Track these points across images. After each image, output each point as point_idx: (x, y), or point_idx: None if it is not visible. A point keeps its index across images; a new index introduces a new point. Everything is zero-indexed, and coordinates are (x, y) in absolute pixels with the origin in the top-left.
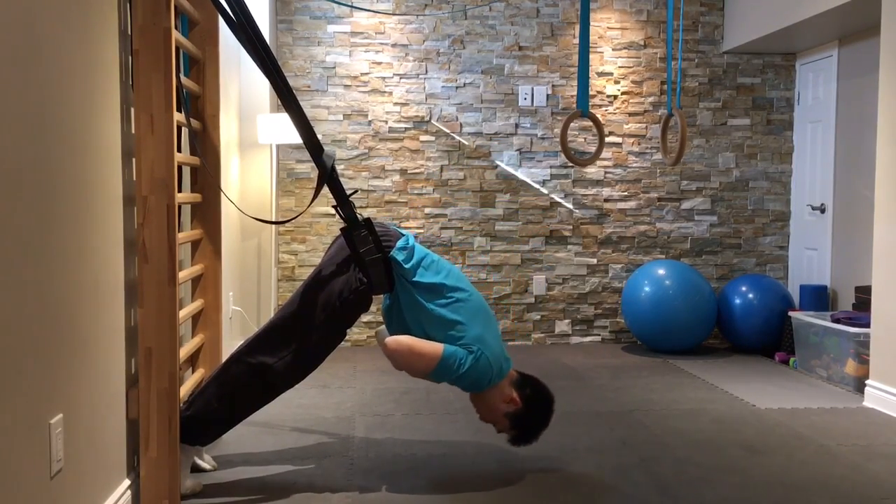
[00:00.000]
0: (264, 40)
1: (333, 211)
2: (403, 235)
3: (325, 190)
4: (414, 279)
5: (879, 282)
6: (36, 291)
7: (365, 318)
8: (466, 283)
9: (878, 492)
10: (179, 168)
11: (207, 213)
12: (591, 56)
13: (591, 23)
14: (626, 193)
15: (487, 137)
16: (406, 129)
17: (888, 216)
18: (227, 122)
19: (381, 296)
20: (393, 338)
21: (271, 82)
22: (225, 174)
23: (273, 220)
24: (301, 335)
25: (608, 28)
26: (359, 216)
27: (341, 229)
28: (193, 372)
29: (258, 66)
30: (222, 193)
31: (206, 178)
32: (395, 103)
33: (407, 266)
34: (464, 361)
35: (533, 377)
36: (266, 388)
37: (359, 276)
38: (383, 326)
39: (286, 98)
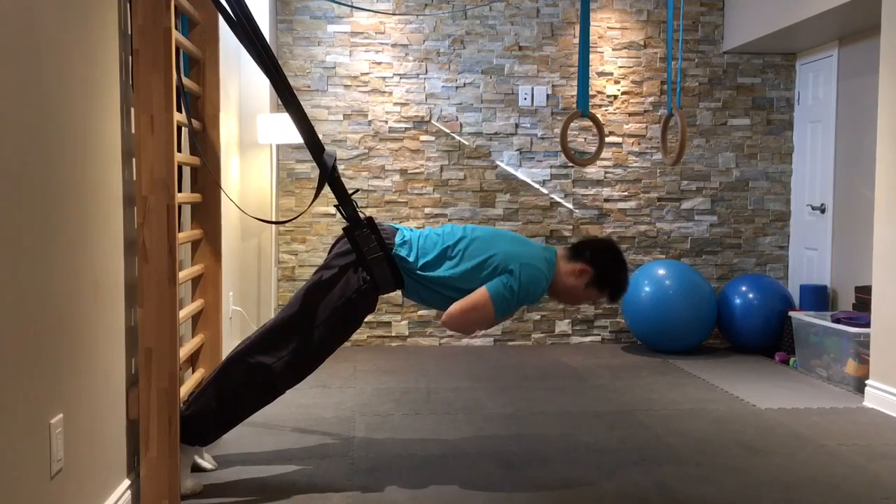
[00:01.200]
0: (265, 40)
1: (334, 211)
2: (398, 230)
3: (326, 190)
4: (420, 266)
5: (879, 282)
6: (36, 291)
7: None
8: (463, 229)
9: (878, 492)
10: (179, 168)
11: (207, 213)
12: (592, 56)
13: (592, 23)
14: (626, 193)
15: (487, 137)
16: (406, 129)
17: (888, 216)
18: (227, 122)
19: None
20: (445, 312)
21: (272, 81)
22: (225, 174)
23: (273, 219)
24: (302, 336)
25: (608, 28)
26: (361, 215)
27: (344, 229)
28: (193, 372)
29: (258, 65)
30: (223, 193)
31: (207, 178)
32: (395, 103)
33: (411, 259)
34: (512, 284)
35: (581, 241)
36: (266, 388)
37: (362, 275)
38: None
39: (287, 97)
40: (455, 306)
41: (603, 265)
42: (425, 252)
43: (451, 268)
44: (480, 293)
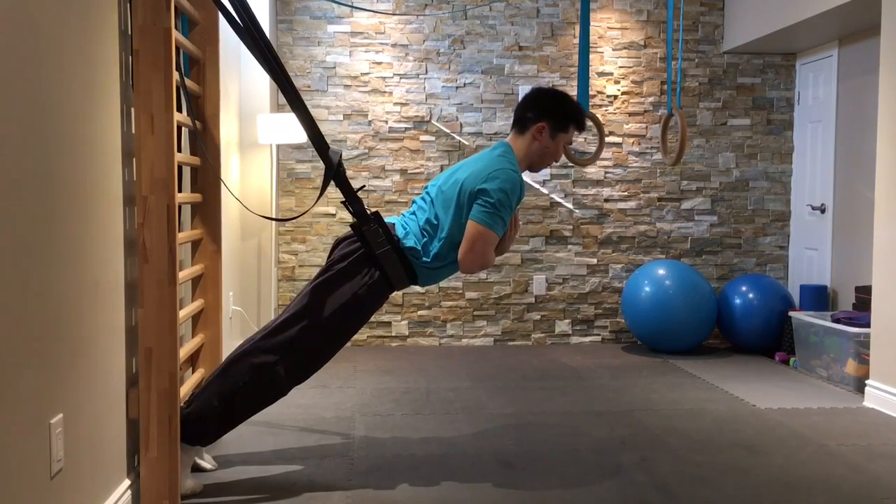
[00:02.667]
0: (266, 37)
1: (334, 211)
2: (395, 224)
3: (327, 190)
4: (425, 252)
5: (879, 282)
6: (36, 291)
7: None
8: (425, 192)
9: (879, 492)
10: (179, 168)
11: (207, 213)
12: (592, 56)
13: (592, 23)
14: (626, 193)
15: (487, 137)
16: (406, 129)
17: (888, 216)
18: (227, 122)
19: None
20: (458, 269)
21: (275, 80)
22: (225, 174)
23: (274, 217)
24: (307, 335)
25: (608, 28)
26: (368, 210)
27: (351, 225)
28: (193, 372)
29: (261, 64)
30: (225, 189)
31: (207, 178)
32: (396, 103)
33: (419, 248)
34: (489, 200)
35: (515, 112)
36: (269, 388)
37: (372, 271)
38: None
39: (290, 95)
40: (460, 255)
41: (550, 110)
42: (419, 235)
43: (441, 233)
44: (471, 227)
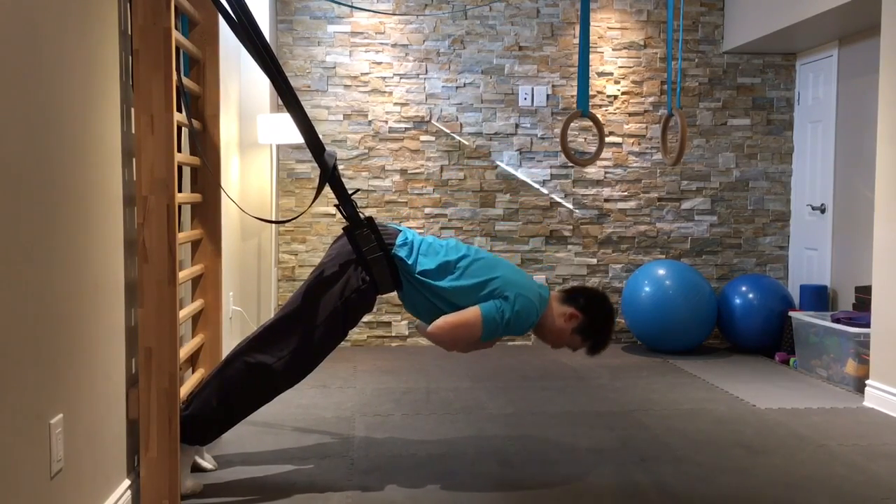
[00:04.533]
0: (265, 40)
1: (334, 211)
2: (401, 231)
3: (327, 190)
4: (419, 270)
5: (879, 282)
6: (36, 291)
7: (365, 317)
8: (467, 248)
9: (879, 492)
10: (179, 168)
11: (207, 213)
12: (592, 56)
13: (592, 23)
14: (626, 193)
15: (487, 137)
16: (406, 129)
17: (888, 216)
18: (227, 122)
19: (385, 296)
20: (433, 324)
21: (272, 81)
22: (225, 174)
23: (273, 219)
24: (301, 335)
25: (608, 28)
26: (361, 215)
27: (343, 228)
28: (193, 372)
29: (259, 65)
30: (223, 193)
31: (207, 178)
32: (395, 103)
33: (410, 261)
34: (505, 309)
35: (577, 287)
36: (265, 387)
37: (362, 275)
38: (419, 321)
39: (287, 97)
40: (445, 319)
41: (594, 315)
42: (426, 258)
43: (451, 281)
44: (473, 311)
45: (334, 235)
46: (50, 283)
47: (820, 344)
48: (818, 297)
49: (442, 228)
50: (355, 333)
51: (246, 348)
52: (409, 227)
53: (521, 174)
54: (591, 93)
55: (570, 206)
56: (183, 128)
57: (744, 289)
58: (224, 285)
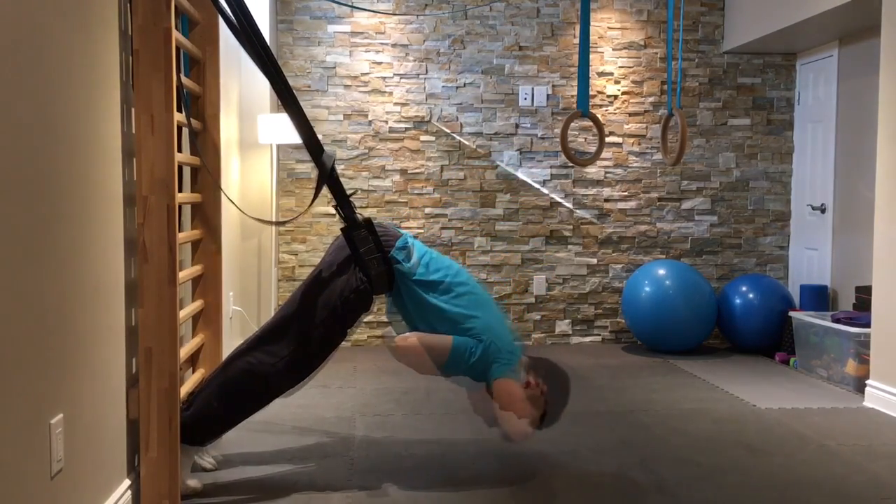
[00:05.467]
0: (264, 40)
1: (333, 211)
2: (402, 235)
3: (326, 190)
4: (415, 277)
5: (879, 282)
6: (36, 291)
7: (366, 318)
8: (468, 277)
9: (879, 492)
10: (179, 168)
11: (207, 213)
12: (592, 56)
13: (592, 23)
14: (626, 193)
15: (488, 137)
16: (406, 129)
17: (888, 216)
18: (227, 122)
19: (383, 297)
20: (401, 336)
21: (270, 82)
22: (225, 174)
23: (273, 220)
24: (301, 335)
25: (608, 28)
26: (359, 216)
27: (342, 229)
28: (193, 372)
29: (258, 66)
30: (223, 194)
31: (207, 177)
32: (396, 103)
33: (407, 265)
34: (474, 350)
35: (544, 359)
36: (266, 388)
37: (359, 275)
38: (390, 328)
39: (286, 98)
40: (417, 335)
41: (551, 390)
42: (425, 267)
43: (442, 301)
44: (446, 339)
45: (334, 235)
46: (50, 283)
47: (820, 344)
48: (818, 297)
49: (442, 228)
50: (355, 333)
51: (247, 349)
52: (410, 227)
53: (521, 174)
54: (591, 93)
55: (570, 206)
56: (183, 128)
57: (744, 289)
58: (224, 285)
